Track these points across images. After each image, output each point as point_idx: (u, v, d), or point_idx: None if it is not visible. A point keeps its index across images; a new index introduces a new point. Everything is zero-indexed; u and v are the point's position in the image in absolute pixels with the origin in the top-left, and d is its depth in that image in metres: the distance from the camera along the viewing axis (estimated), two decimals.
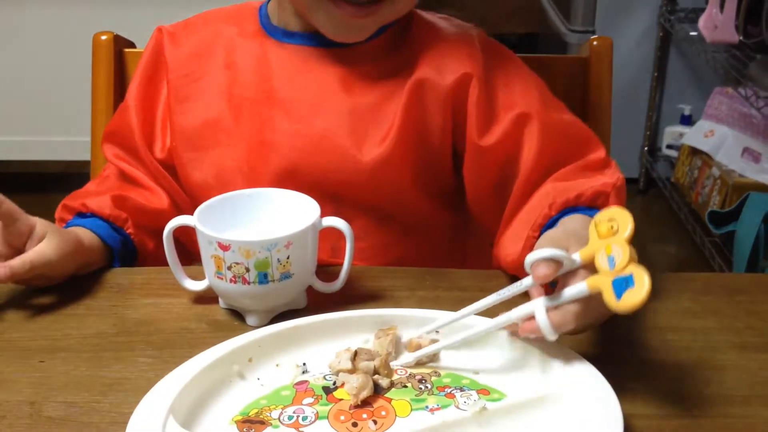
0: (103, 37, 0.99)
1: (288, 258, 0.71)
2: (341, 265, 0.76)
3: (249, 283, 0.71)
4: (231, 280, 0.71)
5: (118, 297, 0.78)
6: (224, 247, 0.70)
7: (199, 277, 0.76)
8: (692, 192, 2.40)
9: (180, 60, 0.89)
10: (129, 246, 0.86)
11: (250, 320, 0.74)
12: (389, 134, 0.84)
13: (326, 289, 0.77)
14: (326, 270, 0.78)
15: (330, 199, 0.84)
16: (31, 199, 2.82)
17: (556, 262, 0.61)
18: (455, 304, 0.71)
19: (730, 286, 0.81)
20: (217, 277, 0.72)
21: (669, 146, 2.63)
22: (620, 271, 0.58)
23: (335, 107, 0.85)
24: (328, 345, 0.68)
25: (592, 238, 0.62)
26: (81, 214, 0.85)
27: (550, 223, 0.77)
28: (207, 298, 0.77)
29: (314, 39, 0.87)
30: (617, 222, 0.61)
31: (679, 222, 2.43)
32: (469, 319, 0.67)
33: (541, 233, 0.77)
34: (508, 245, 0.81)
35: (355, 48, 0.86)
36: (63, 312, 0.76)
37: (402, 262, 0.86)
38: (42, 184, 2.64)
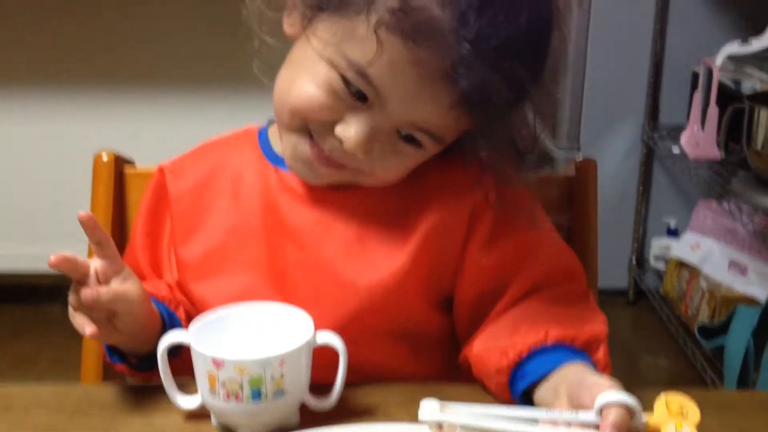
0: (105, 158, 1.01)
1: (282, 375, 0.71)
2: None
3: (242, 400, 0.71)
4: (224, 398, 0.71)
5: (110, 416, 0.77)
6: (218, 365, 0.71)
7: (191, 392, 0.76)
8: (681, 304, 2.42)
9: (182, 194, 0.90)
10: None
11: None
12: (401, 258, 0.84)
13: (319, 407, 0.77)
14: (318, 386, 0.78)
15: (344, 324, 0.83)
16: (23, 311, 2.82)
17: (629, 412, 0.65)
18: None
19: (721, 404, 0.81)
20: (211, 394, 0.72)
21: (657, 258, 2.67)
22: None
23: (343, 234, 0.85)
24: None
25: (660, 410, 0.67)
26: None
27: (540, 349, 0.79)
28: (199, 415, 0.77)
29: None
30: (687, 408, 0.68)
31: (669, 334, 2.43)
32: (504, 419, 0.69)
33: (529, 353, 0.78)
34: (480, 342, 0.84)
35: (356, 187, 0.86)
36: None
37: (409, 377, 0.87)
38: (35, 296, 2.63)
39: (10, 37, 2.47)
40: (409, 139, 0.80)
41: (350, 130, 0.78)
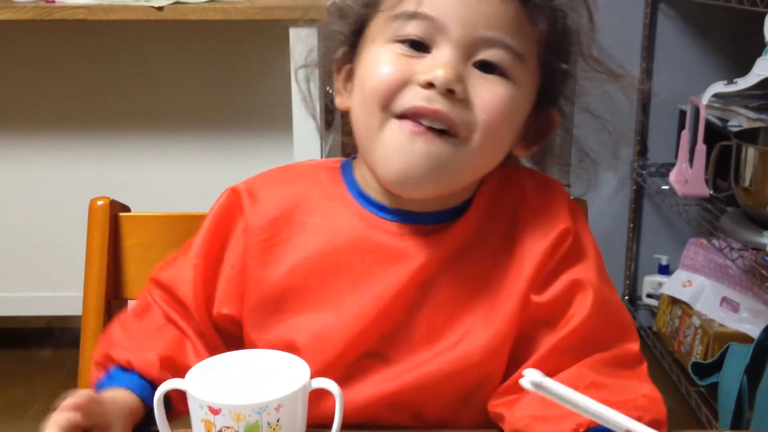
0: (99, 203, 1.02)
1: (278, 421, 0.71)
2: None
3: None
4: None
5: None
6: (215, 411, 0.71)
7: None
8: (674, 341, 2.42)
9: (263, 221, 0.86)
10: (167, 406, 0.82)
11: None
12: (495, 324, 0.82)
13: None
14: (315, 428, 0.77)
15: (414, 387, 0.81)
16: (13, 355, 2.80)
17: None
18: None
19: None
20: None
21: (649, 295, 2.67)
22: None
23: (438, 292, 0.83)
24: None
25: None
26: (121, 368, 0.83)
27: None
28: None
29: (407, 216, 0.85)
30: None
31: (663, 371, 2.43)
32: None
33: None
34: (519, 410, 0.79)
35: (448, 226, 0.84)
36: None
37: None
38: (24, 341, 2.62)
39: (6, 82, 2.49)
40: (489, 68, 0.80)
41: (430, 69, 0.78)
